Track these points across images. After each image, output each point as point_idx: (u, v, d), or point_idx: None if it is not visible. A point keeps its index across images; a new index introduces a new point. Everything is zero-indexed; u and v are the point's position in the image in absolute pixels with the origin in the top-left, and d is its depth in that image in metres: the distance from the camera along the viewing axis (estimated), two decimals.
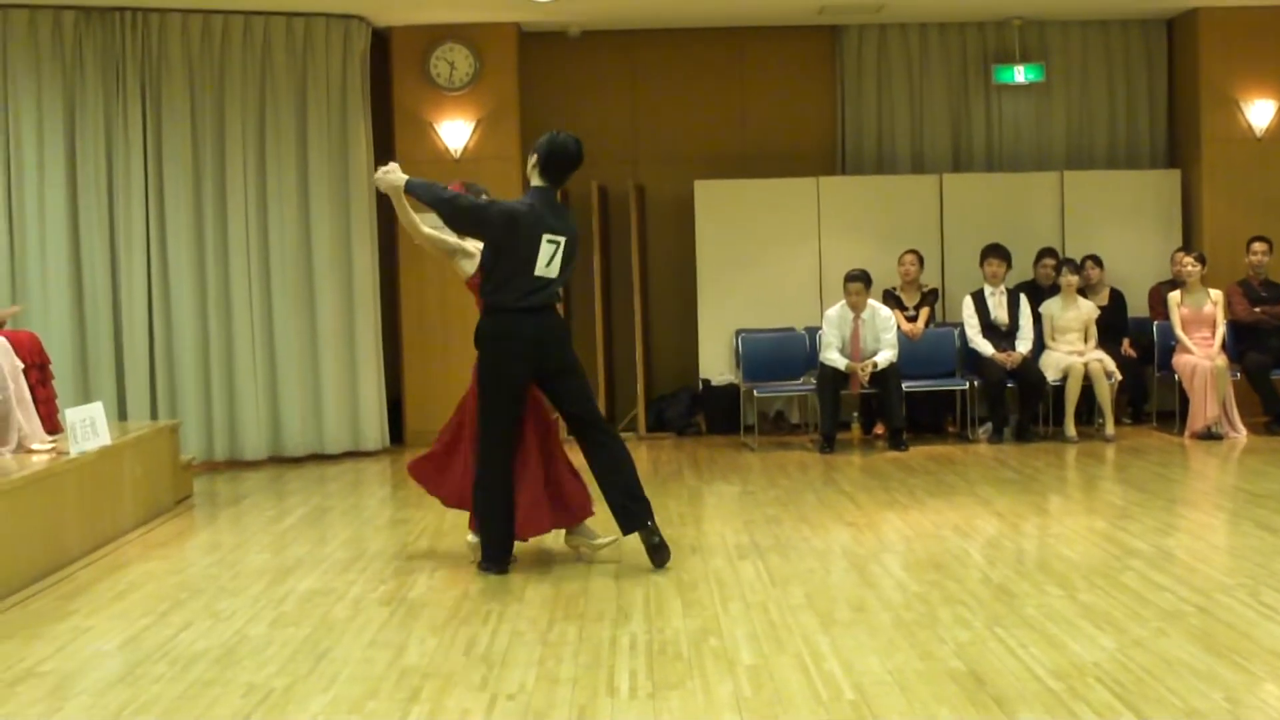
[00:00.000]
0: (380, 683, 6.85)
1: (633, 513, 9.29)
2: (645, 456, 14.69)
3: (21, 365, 10.77)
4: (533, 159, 9.37)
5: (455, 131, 15.73)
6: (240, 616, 8.28)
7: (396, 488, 13.47)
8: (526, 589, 8.80)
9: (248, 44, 14.75)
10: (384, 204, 15.26)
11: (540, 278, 9.10)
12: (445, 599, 8.59)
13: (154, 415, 14.22)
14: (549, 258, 9.09)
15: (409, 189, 9.27)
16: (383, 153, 15.52)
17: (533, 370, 9.22)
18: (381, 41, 15.82)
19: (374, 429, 15.24)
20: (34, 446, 10.45)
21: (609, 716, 6.26)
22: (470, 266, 9.64)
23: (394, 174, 9.40)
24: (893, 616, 7.78)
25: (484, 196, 9.47)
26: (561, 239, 9.15)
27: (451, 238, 9.72)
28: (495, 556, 9.26)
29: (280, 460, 14.83)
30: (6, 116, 13.98)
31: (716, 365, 16.02)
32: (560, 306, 9.61)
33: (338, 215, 14.97)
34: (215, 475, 14.19)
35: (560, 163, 9.32)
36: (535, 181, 9.35)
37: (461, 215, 9.16)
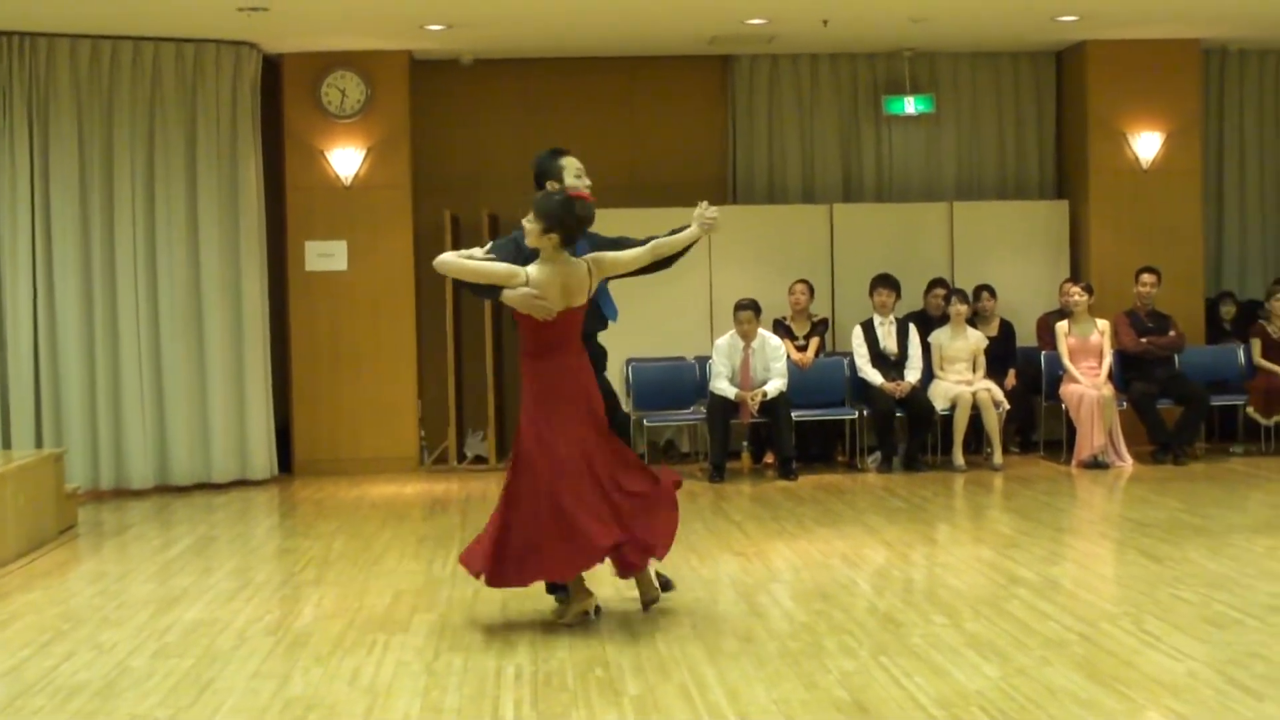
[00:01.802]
0: (264, 714, 6.81)
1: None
2: None
3: None
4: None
5: (346, 159, 15.67)
6: (123, 647, 8.19)
7: (284, 517, 13.40)
8: (413, 619, 8.76)
9: (137, 70, 14.62)
10: (273, 230, 15.26)
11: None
12: (331, 629, 8.54)
13: (39, 443, 14.03)
14: None
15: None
16: (273, 180, 15.48)
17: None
18: (272, 68, 15.73)
19: (262, 458, 15.11)
20: None
21: None
22: None
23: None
24: (779, 646, 7.80)
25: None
26: None
27: None
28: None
29: (167, 489, 14.66)
30: None
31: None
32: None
33: (227, 242, 14.85)
34: (101, 504, 14.02)
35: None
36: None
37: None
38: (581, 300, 8.49)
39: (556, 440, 8.33)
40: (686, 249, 8.91)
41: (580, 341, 8.67)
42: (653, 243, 8.81)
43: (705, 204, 8.76)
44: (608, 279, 8.85)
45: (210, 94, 14.84)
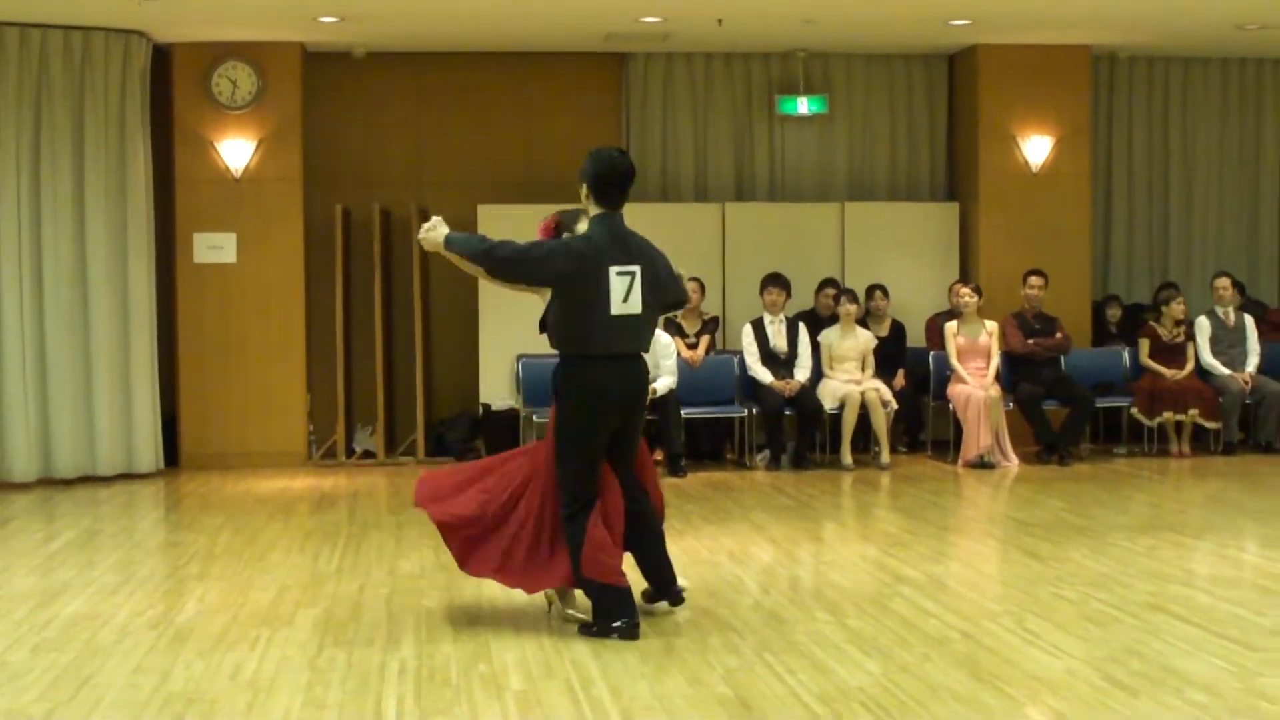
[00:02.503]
0: (143, 709, 6.74)
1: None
2: None
3: None
4: (583, 188, 8.15)
5: (237, 150, 15.54)
6: (1, 642, 8.08)
7: (169, 511, 13.29)
8: (297, 614, 8.70)
9: (24, 56, 14.44)
10: (162, 222, 15.11)
11: (620, 317, 8.02)
12: (214, 623, 8.46)
13: None
14: (624, 293, 8.00)
15: (448, 244, 8.14)
16: (162, 171, 15.34)
17: (616, 425, 8.17)
18: (163, 58, 15.58)
19: (148, 451, 14.96)
20: None
21: None
22: None
23: (435, 230, 8.19)
24: (664, 642, 7.80)
25: (579, 226, 8.38)
26: (635, 268, 8.05)
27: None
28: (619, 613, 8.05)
29: (50, 482, 14.48)
30: None
31: (498, 390, 15.98)
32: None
33: (114, 232, 14.69)
34: None
35: (611, 181, 8.14)
36: (593, 211, 8.20)
37: (503, 266, 8.12)
38: None
39: None
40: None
41: None
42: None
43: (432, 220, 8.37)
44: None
45: (99, 83, 14.69)
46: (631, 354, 8.14)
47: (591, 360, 8.07)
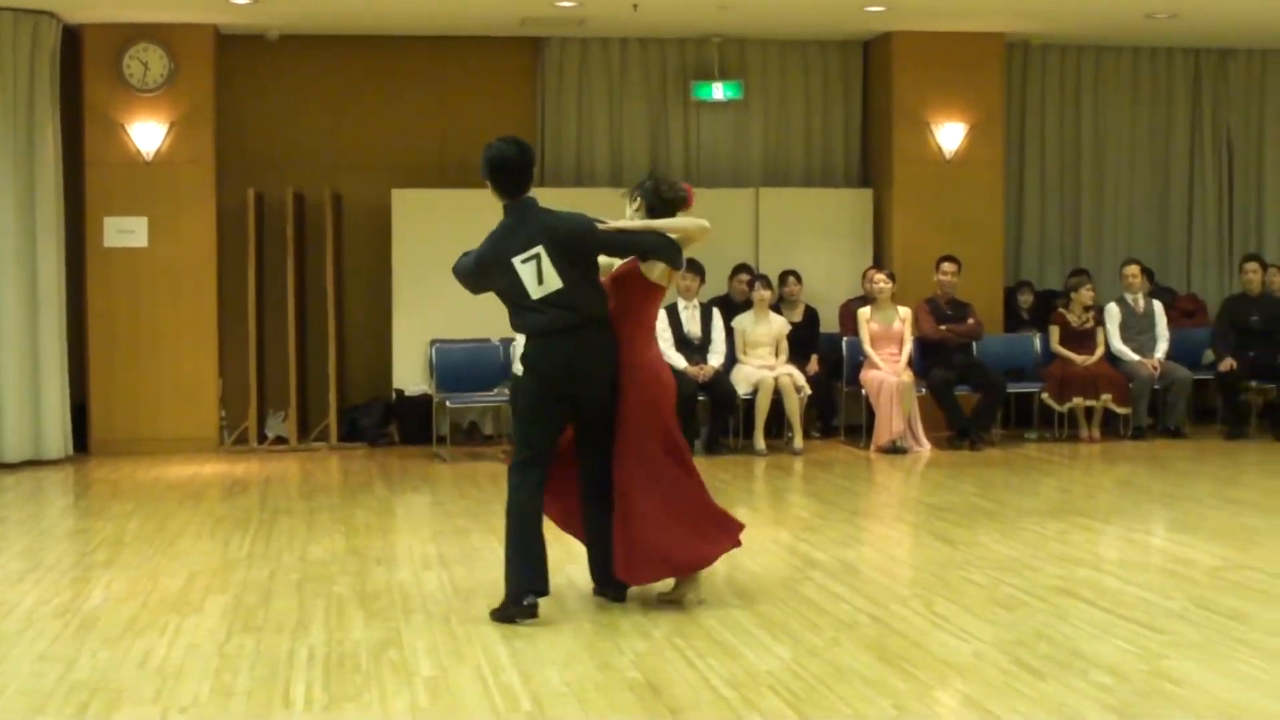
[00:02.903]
0: (48, 698, 6.68)
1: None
2: (336, 467, 14.57)
3: None
4: (488, 185, 8.27)
5: (148, 133, 15.42)
6: None
7: (78, 498, 13.19)
8: (206, 601, 8.65)
9: None
10: (72, 206, 14.97)
11: (545, 298, 8.03)
12: (122, 611, 8.40)
13: None
14: (536, 276, 8.01)
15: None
16: (72, 154, 15.21)
17: (566, 398, 8.15)
18: (73, 39, 15.43)
19: (57, 437, 14.82)
20: None
21: None
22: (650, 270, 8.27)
23: None
24: (574, 628, 7.81)
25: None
26: (536, 249, 8.03)
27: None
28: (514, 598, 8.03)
29: None
30: None
31: (411, 375, 15.93)
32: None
33: (23, 215, 14.55)
34: None
35: (505, 171, 8.21)
36: (501, 204, 8.33)
37: (463, 281, 8.49)
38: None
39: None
40: None
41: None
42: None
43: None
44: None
45: (7, 64, 14.55)
46: (571, 326, 8.07)
47: (530, 339, 8.17)
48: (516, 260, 8.05)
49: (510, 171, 8.21)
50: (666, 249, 8.12)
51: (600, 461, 8.25)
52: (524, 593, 7.94)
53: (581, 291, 8.09)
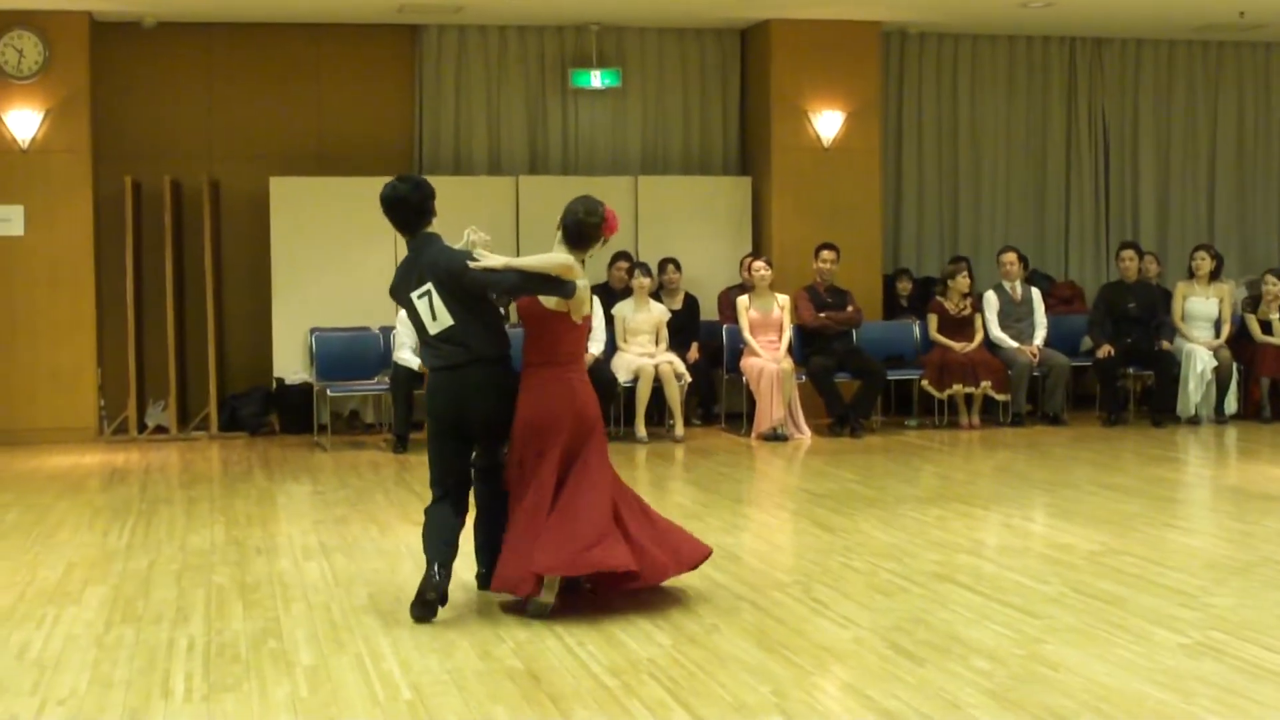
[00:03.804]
0: None
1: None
2: (217, 456, 14.48)
3: None
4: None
5: (23, 121, 15.25)
6: None
7: None
8: (85, 591, 8.59)
9: None
10: None
11: (440, 334, 8.07)
12: None
13: None
14: (430, 312, 8.05)
15: None
16: None
17: (458, 435, 8.14)
18: None
19: None
20: None
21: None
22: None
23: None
24: (455, 616, 7.81)
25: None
26: (426, 286, 8.06)
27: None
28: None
29: None
30: None
31: (291, 364, 15.84)
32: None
33: None
34: None
35: (398, 209, 8.21)
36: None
37: None
38: None
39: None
40: None
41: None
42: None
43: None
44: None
45: None
46: (459, 363, 8.06)
47: (429, 374, 8.34)
48: (414, 296, 8.12)
49: (402, 210, 8.20)
50: (524, 287, 8.07)
51: (489, 460, 8.27)
52: (430, 563, 7.91)
53: (471, 330, 8.06)
